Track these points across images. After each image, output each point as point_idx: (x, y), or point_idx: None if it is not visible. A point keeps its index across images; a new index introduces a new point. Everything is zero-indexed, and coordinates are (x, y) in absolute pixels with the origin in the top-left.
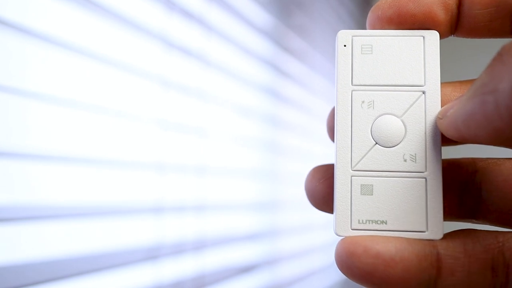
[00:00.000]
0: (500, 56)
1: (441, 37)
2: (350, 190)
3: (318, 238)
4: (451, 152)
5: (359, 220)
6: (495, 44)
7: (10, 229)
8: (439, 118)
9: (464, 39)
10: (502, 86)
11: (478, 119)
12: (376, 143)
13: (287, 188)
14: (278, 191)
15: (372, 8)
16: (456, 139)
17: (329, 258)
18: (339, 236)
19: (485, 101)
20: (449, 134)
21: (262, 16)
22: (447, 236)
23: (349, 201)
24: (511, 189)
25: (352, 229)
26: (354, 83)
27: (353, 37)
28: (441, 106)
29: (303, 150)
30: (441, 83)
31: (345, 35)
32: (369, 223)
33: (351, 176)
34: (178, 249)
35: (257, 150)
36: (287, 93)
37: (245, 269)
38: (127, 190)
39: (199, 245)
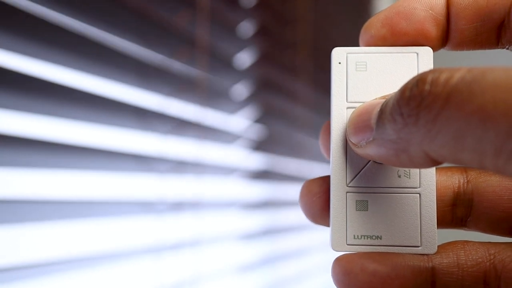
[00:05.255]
0: (398, 116)
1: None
2: (345, 206)
3: (318, 237)
4: None
5: (354, 236)
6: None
7: (10, 229)
8: (352, 143)
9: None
10: (413, 149)
11: (393, 162)
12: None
13: (287, 187)
14: (278, 191)
15: (365, 26)
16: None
17: (329, 258)
18: (336, 251)
19: (399, 155)
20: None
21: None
22: (440, 249)
23: (345, 217)
24: (501, 200)
25: (348, 245)
26: (349, 100)
27: (348, 55)
28: None
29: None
30: None
31: (339, 53)
32: (364, 238)
33: (346, 192)
34: (176, 248)
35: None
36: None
37: (244, 268)
38: (127, 190)
39: (197, 244)
